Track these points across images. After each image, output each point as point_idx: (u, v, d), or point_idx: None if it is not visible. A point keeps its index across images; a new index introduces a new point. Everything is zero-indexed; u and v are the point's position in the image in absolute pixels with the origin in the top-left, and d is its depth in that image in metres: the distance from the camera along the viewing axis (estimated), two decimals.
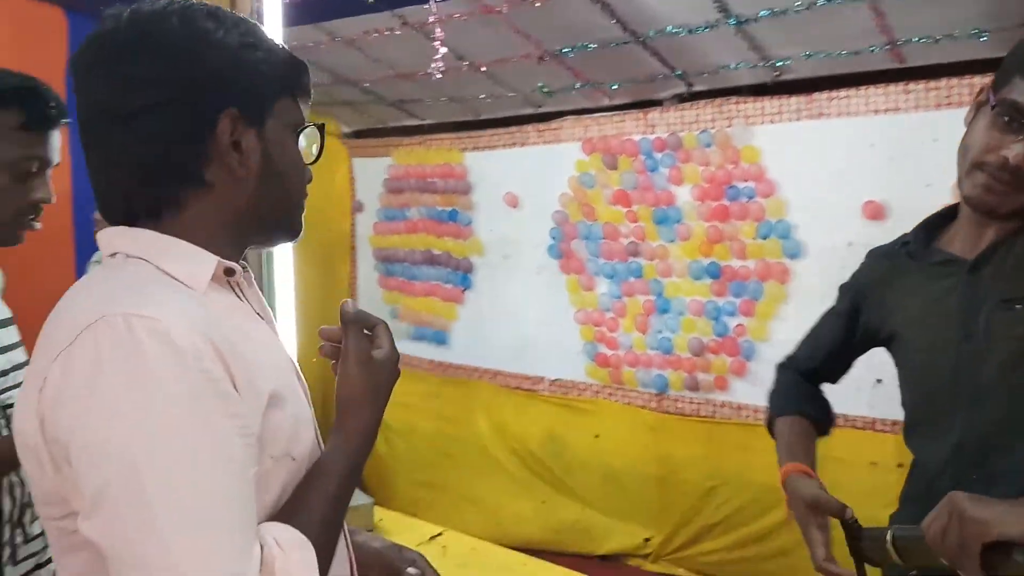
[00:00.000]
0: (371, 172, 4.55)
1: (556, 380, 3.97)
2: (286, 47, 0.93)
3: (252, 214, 0.89)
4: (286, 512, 0.80)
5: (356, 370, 0.91)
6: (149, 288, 0.77)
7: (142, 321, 0.69)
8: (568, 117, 3.75)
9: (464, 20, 3.13)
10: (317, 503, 0.82)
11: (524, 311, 4.02)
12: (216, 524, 0.68)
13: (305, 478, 0.84)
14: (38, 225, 1.42)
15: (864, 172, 2.97)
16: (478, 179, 4.10)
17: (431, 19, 2.92)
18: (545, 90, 3.62)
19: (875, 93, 2.92)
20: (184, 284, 0.81)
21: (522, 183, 3.95)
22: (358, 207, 4.64)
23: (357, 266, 4.72)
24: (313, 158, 0.96)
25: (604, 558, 3.69)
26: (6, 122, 1.32)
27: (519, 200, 3.98)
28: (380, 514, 2.44)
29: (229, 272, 0.87)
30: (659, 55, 3.14)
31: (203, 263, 0.84)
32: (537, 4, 2.95)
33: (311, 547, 0.75)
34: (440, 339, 4.31)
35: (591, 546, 3.73)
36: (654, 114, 3.49)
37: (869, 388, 2.91)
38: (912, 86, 2.85)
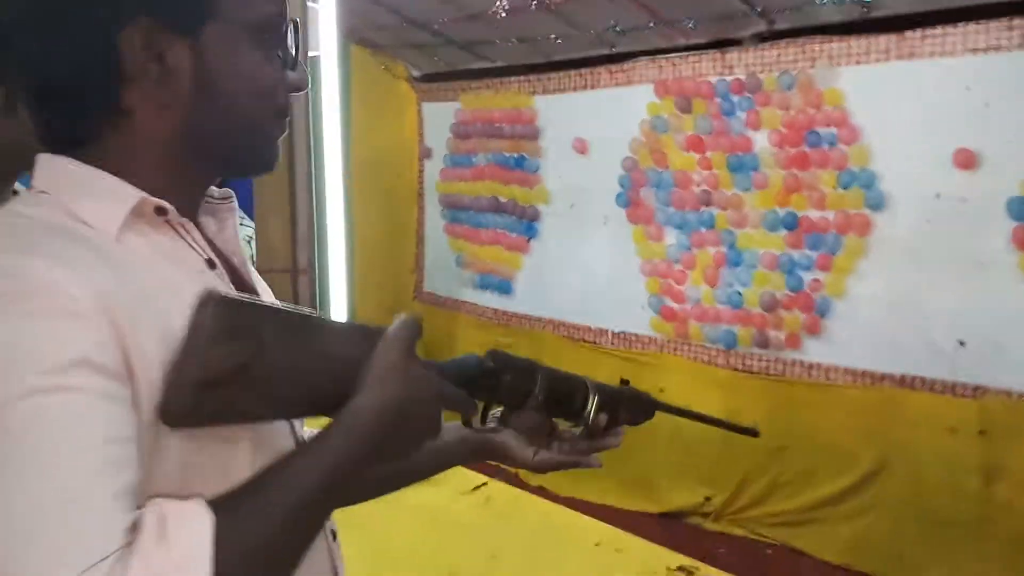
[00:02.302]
0: (439, 117, 4.47)
1: (620, 333, 3.87)
2: None
3: (194, 143, 0.72)
4: (229, 504, 0.59)
5: (396, 344, 0.71)
6: (26, 237, 0.62)
7: None
8: (641, 58, 3.59)
9: None
10: (277, 499, 0.61)
11: (590, 262, 3.91)
12: (49, 506, 0.53)
13: (269, 466, 0.64)
14: None
15: (956, 117, 2.74)
16: (547, 124, 3.99)
17: None
18: (617, 29, 3.46)
19: (974, 30, 2.68)
20: (88, 225, 0.65)
21: (592, 128, 3.82)
22: (426, 152, 4.57)
23: (424, 213, 4.68)
24: (291, 63, 0.76)
25: (663, 516, 3.62)
26: None
27: (588, 146, 3.85)
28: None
29: (160, 211, 0.69)
30: None
31: (118, 201, 0.67)
32: None
33: (207, 520, 0.56)
34: (505, 288, 4.25)
35: (650, 503, 3.66)
36: (732, 54, 3.30)
37: (951, 350, 2.73)
38: (1017, 22, 2.60)
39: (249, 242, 2.69)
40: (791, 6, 2.96)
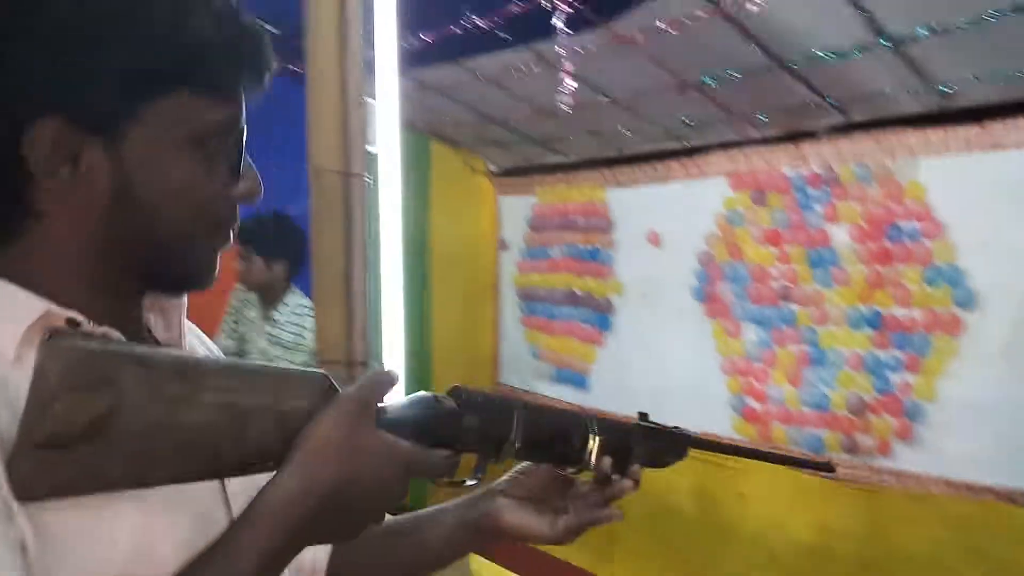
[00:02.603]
0: (516, 210, 4.50)
1: (700, 433, 3.69)
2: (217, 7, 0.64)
3: (112, 254, 0.64)
4: None
5: (343, 411, 0.62)
6: None
7: None
8: (714, 150, 3.53)
9: (597, 52, 3.01)
10: None
11: (665, 356, 3.79)
12: None
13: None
14: None
15: None
16: (620, 217, 3.95)
17: (559, 51, 2.82)
18: (688, 122, 3.42)
19: None
20: None
21: (665, 220, 3.76)
22: (503, 245, 4.60)
23: (501, 305, 4.67)
24: (230, 174, 0.68)
25: None
26: None
27: (662, 238, 3.77)
28: (479, 565, 2.20)
29: (72, 323, 0.60)
30: (808, 82, 2.87)
31: (15, 315, 0.59)
32: (673, 32, 2.78)
33: None
34: (579, 382, 4.16)
35: None
36: (807, 146, 3.20)
37: None
38: None
39: (301, 334, 2.72)
40: (865, 97, 2.85)
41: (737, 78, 2.93)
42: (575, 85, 2.93)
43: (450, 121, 4.15)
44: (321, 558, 0.85)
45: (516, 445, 0.77)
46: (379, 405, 0.65)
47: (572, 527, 0.85)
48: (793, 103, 3.04)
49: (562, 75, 3.07)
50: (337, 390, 0.64)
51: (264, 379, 0.61)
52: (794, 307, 3.31)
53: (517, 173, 4.50)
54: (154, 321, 0.74)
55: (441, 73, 3.56)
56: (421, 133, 4.42)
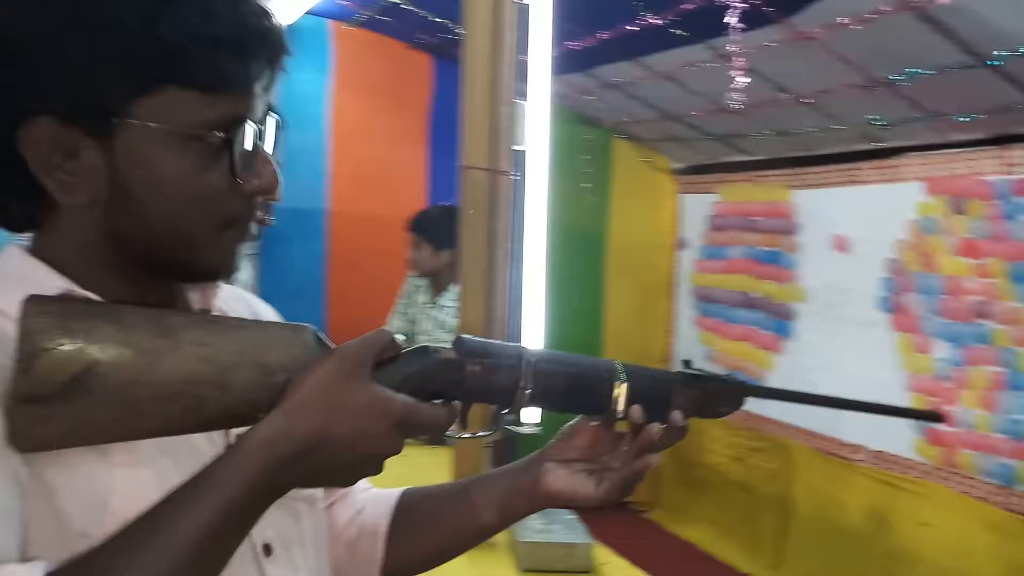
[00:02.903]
0: (697, 208, 4.42)
1: (878, 451, 3.47)
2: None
3: (120, 247, 0.66)
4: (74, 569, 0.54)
5: (336, 364, 0.62)
6: None
7: None
8: (909, 153, 3.28)
9: (777, 48, 2.90)
10: (139, 564, 0.54)
11: (847, 368, 3.58)
12: None
13: (134, 519, 0.56)
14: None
15: None
16: (805, 219, 3.77)
17: (732, 48, 2.75)
18: (880, 123, 3.21)
19: None
20: (6, 316, 0.60)
21: (853, 225, 3.54)
22: (682, 243, 4.53)
23: (676, 304, 4.61)
24: (243, 169, 0.66)
25: None
26: None
27: (849, 244, 3.56)
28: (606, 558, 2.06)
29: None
30: (1017, 82, 2.61)
31: (40, 288, 0.62)
32: (856, 27, 2.63)
33: None
34: None
35: None
36: (1015, 151, 2.90)
37: None
38: None
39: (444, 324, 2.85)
40: None
41: (931, 76, 2.72)
42: (755, 82, 2.84)
43: (631, 118, 4.15)
44: (382, 521, 0.87)
45: (527, 391, 0.73)
46: (378, 361, 0.65)
47: (615, 485, 0.80)
48: (998, 104, 2.77)
49: (740, 72, 2.98)
50: (325, 343, 0.66)
51: (245, 332, 0.63)
52: (991, 325, 3.02)
53: (699, 171, 4.42)
54: (191, 298, 0.75)
55: (619, 70, 3.57)
56: (603, 129, 4.46)
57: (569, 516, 1.95)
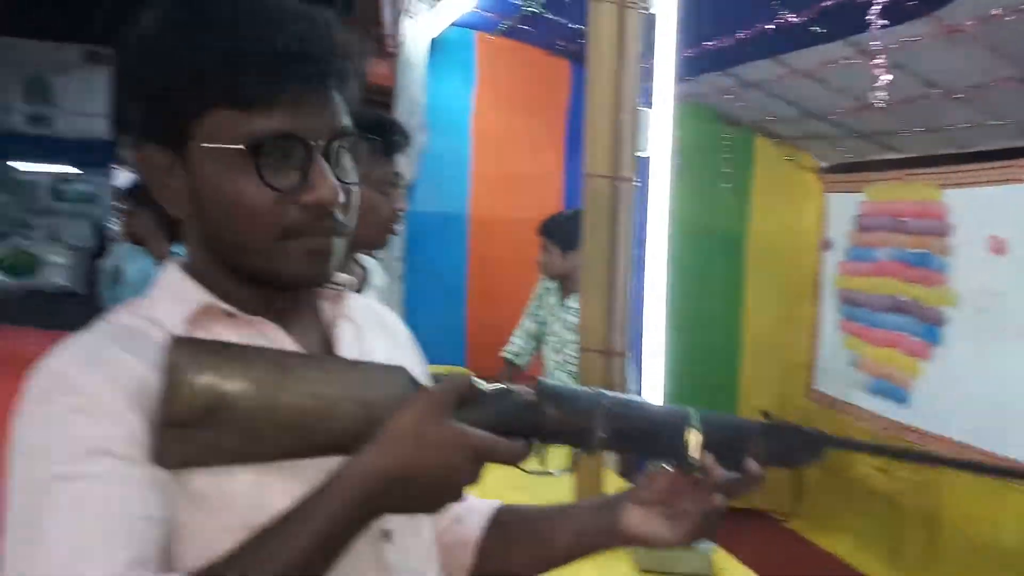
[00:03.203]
0: (843, 208, 4.26)
1: None
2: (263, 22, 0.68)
3: (218, 255, 0.74)
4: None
5: (421, 405, 0.69)
6: (91, 344, 0.70)
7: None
8: None
9: (924, 43, 2.79)
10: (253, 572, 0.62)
11: (1004, 378, 3.37)
12: (37, 535, 0.61)
13: (249, 537, 0.64)
14: (398, 230, 1.73)
15: None
16: (958, 220, 3.57)
17: (875, 45, 2.67)
18: None
19: None
20: (159, 325, 0.72)
21: (1012, 226, 3.33)
22: (826, 244, 4.39)
23: (821, 308, 4.47)
24: (299, 180, 0.70)
25: None
26: (368, 150, 1.63)
27: (1007, 246, 3.36)
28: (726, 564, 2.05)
29: (229, 315, 0.74)
30: None
31: (181, 304, 0.73)
32: (1009, 18, 2.49)
33: None
34: (899, 396, 3.85)
35: None
36: None
37: None
38: None
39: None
40: None
41: None
42: (901, 78, 2.73)
43: (773, 116, 4.07)
44: (476, 532, 0.95)
45: (600, 435, 0.77)
46: (462, 401, 0.71)
47: (688, 529, 0.84)
48: None
49: (884, 68, 2.89)
50: (417, 383, 0.73)
51: (349, 372, 0.72)
52: None
53: (846, 169, 4.26)
54: (321, 304, 0.84)
55: (759, 68, 3.52)
56: (744, 127, 4.39)
57: None
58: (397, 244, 3.85)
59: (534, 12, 3.72)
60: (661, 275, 2.14)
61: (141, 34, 0.70)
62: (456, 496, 0.71)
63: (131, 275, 3.22)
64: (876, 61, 2.65)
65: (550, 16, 3.73)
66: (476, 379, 0.75)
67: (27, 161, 13.27)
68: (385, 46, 4.12)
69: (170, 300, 0.74)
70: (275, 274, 0.73)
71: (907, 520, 3.73)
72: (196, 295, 0.74)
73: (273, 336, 0.75)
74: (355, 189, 0.76)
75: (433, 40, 4.05)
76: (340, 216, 0.73)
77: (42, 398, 0.66)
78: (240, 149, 0.68)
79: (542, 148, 4.27)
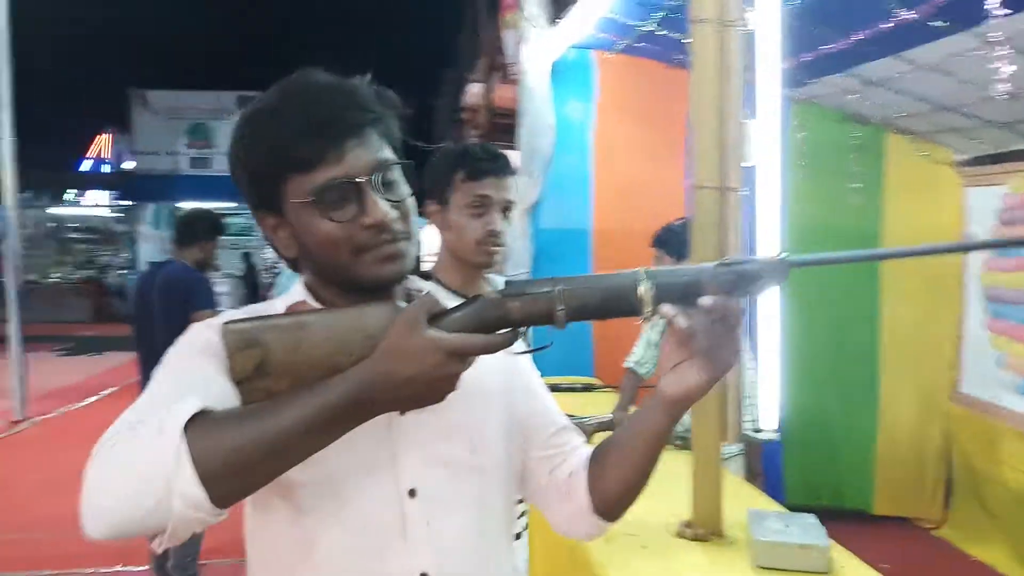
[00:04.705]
0: (984, 201, 4.09)
1: None
2: (316, 110, 0.91)
3: (323, 273, 0.98)
4: (221, 412, 0.82)
5: (398, 324, 0.84)
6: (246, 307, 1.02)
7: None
8: None
9: None
10: (254, 419, 0.80)
11: None
12: (150, 399, 0.86)
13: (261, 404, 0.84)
14: (498, 251, 1.82)
15: None
16: None
17: (995, 36, 2.59)
18: None
19: None
20: (273, 308, 1.00)
21: None
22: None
23: (964, 306, 4.28)
24: (354, 211, 0.92)
25: None
26: (457, 176, 1.76)
27: None
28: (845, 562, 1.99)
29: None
30: None
31: (288, 299, 1.02)
32: None
33: (176, 438, 0.77)
34: None
35: None
36: None
37: None
38: None
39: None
40: None
41: None
42: (1010, 68, 2.63)
43: (902, 112, 3.96)
44: (582, 472, 1.10)
45: (560, 310, 0.89)
46: (433, 315, 0.85)
47: (704, 364, 0.93)
48: None
49: (1015, 56, 2.80)
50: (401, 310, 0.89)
51: (352, 313, 0.88)
52: None
53: (986, 161, 4.09)
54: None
55: (881, 67, 3.46)
56: (873, 126, 4.28)
57: (810, 519, 1.99)
58: (524, 260, 4.01)
59: (649, 31, 3.80)
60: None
61: (235, 135, 0.96)
62: (444, 389, 0.84)
63: (287, 286, 3.68)
64: (1000, 51, 2.57)
65: (665, 32, 3.80)
66: (440, 297, 0.89)
67: (190, 200, 14.56)
68: (508, 72, 4.30)
69: (286, 298, 1.02)
70: (359, 280, 0.94)
71: None
72: (299, 295, 1.01)
73: None
74: (409, 202, 0.97)
75: (554, 63, 4.19)
76: (399, 226, 0.94)
77: (185, 337, 0.95)
78: (311, 200, 0.91)
79: (663, 159, 4.31)
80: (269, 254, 17.83)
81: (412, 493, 0.97)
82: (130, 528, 0.77)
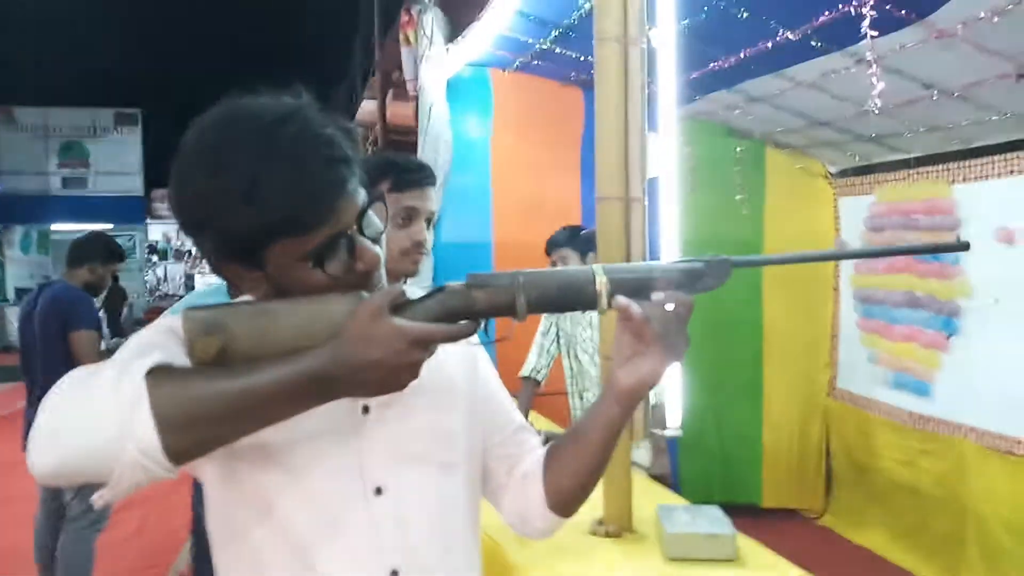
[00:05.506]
0: (854, 210, 4.40)
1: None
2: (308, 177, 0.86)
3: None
4: (180, 369, 0.83)
5: (360, 313, 0.85)
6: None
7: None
8: None
9: (917, 47, 2.93)
10: (212, 380, 0.81)
11: (1020, 364, 3.47)
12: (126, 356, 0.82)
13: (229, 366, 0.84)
14: (421, 259, 1.82)
15: None
16: (967, 213, 3.69)
17: (870, 54, 2.81)
18: None
19: None
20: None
21: (1019, 217, 3.44)
22: (840, 246, 4.51)
23: (838, 308, 4.58)
24: (345, 260, 0.90)
25: None
26: (383, 187, 1.73)
27: (1015, 236, 3.46)
28: (750, 549, 2.01)
29: None
30: None
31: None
32: (995, 19, 2.63)
33: (137, 379, 0.77)
34: (921, 389, 3.95)
35: None
36: None
37: None
38: None
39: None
40: None
41: None
42: (900, 82, 2.85)
43: (781, 127, 4.21)
44: (537, 469, 1.12)
45: (522, 301, 0.91)
46: (396, 305, 0.86)
47: (662, 354, 0.97)
48: None
49: (882, 74, 3.03)
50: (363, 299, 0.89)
51: (317, 304, 0.88)
52: None
53: (855, 173, 4.40)
54: None
55: (763, 84, 3.67)
56: (755, 140, 4.53)
57: (716, 511, 2.10)
58: (426, 273, 4.03)
59: (545, 48, 3.90)
60: None
61: (199, 191, 0.88)
62: (406, 377, 0.86)
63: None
64: (872, 70, 2.79)
65: (560, 50, 3.92)
66: (405, 288, 0.91)
67: (63, 222, 13.76)
68: (404, 89, 4.31)
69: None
70: None
71: (934, 510, 3.82)
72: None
73: None
74: (385, 233, 0.97)
75: (450, 80, 4.24)
76: (382, 258, 0.95)
77: (147, 326, 0.93)
78: (302, 258, 0.88)
79: (559, 174, 4.44)
80: (149, 277, 17.13)
81: (379, 491, 0.97)
82: (75, 463, 0.76)
